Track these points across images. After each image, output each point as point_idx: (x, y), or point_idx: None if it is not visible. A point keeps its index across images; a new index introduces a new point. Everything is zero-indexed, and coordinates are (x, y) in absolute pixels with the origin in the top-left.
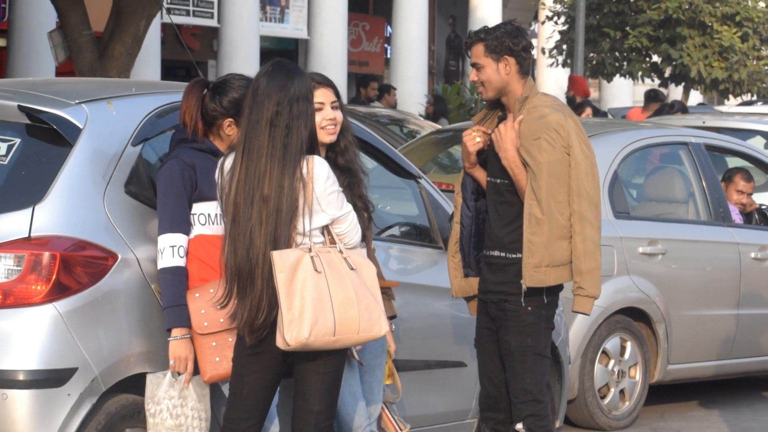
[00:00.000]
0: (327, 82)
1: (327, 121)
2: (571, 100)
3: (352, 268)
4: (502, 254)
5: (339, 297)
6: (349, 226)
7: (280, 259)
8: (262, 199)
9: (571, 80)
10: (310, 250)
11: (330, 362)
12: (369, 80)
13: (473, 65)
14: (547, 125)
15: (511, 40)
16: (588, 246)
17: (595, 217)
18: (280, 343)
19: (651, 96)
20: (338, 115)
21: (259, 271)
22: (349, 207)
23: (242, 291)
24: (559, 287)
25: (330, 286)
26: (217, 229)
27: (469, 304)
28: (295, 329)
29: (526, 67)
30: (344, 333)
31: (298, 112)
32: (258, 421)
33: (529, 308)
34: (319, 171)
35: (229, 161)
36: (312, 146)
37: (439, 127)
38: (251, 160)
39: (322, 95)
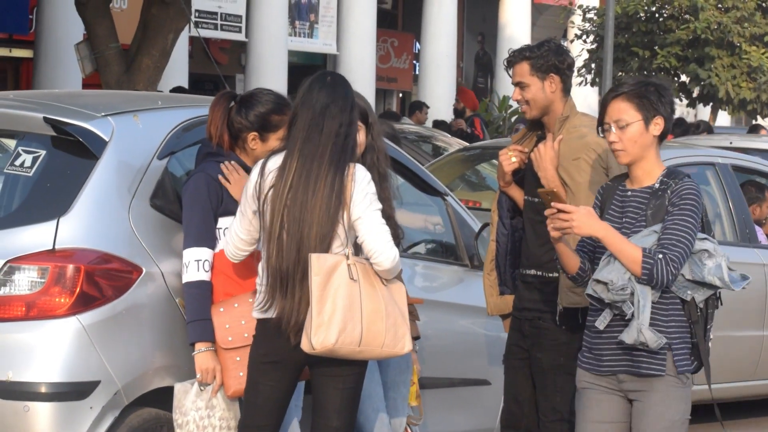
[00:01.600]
0: None
1: None
2: (461, 112)
3: (384, 284)
4: (539, 273)
5: (369, 308)
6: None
7: (318, 262)
8: (317, 201)
9: (461, 92)
10: (347, 257)
11: (350, 378)
12: None
13: (517, 84)
14: (587, 145)
15: (557, 58)
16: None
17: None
18: (305, 345)
19: (676, 123)
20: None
21: (309, 270)
22: (379, 208)
23: (290, 291)
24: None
25: (362, 296)
26: None
27: (504, 322)
28: (323, 334)
29: (569, 86)
30: (369, 345)
31: (354, 120)
32: (274, 427)
33: (564, 327)
34: (360, 175)
35: (272, 163)
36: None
37: (466, 144)
38: (309, 163)
39: None
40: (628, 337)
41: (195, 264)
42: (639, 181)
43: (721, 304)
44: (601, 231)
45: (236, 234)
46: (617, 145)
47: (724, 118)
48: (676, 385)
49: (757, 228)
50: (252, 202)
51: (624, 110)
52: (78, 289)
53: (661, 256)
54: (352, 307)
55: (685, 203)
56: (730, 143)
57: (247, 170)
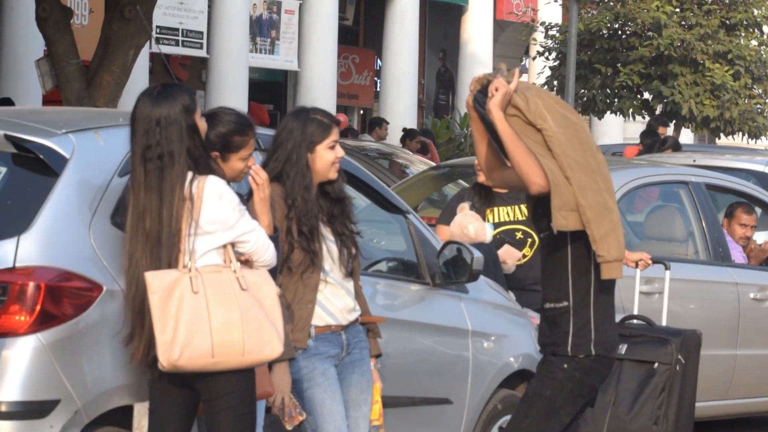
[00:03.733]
0: (336, 120)
1: (337, 158)
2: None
3: (243, 288)
4: (551, 305)
5: (219, 318)
6: (255, 245)
7: (154, 280)
8: (145, 233)
9: (251, 108)
10: (189, 270)
11: (229, 398)
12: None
13: None
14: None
15: None
16: (595, 212)
17: (592, 181)
18: (159, 364)
19: (645, 132)
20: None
21: (147, 306)
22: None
23: (140, 328)
24: (610, 362)
25: (210, 307)
26: None
27: None
28: (167, 350)
29: None
30: (225, 355)
31: (169, 138)
32: None
33: (565, 365)
34: (209, 192)
35: None
36: (207, 165)
37: (430, 162)
38: (135, 194)
39: (336, 134)
40: None
41: None
42: None
43: None
44: None
45: None
46: None
47: (687, 136)
48: None
49: (734, 246)
50: None
51: None
52: (38, 307)
53: None
54: (197, 320)
55: None
56: (694, 161)
57: None
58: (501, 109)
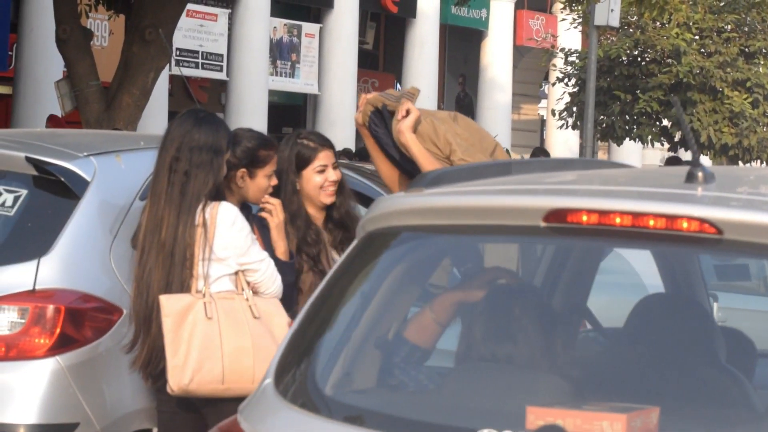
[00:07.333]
0: (328, 144)
1: (329, 182)
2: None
3: (255, 317)
4: None
5: (231, 345)
6: (263, 276)
7: (168, 303)
8: (160, 243)
9: (49, 118)
10: (204, 295)
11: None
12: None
13: None
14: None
15: None
16: None
17: None
18: (168, 387)
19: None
20: (338, 174)
21: (155, 315)
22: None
23: (144, 335)
24: None
25: (222, 334)
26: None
27: None
28: (178, 375)
29: None
30: (236, 382)
31: (199, 161)
32: None
33: None
34: (222, 218)
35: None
36: (218, 194)
37: None
38: (153, 203)
39: (325, 158)
40: None
41: None
42: None
43: None
44: None
45: None
46: None
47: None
48: None
49: None
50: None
51: None
52: (58, 330)
53: None
54: (210, 346)
55: None
56: None
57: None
58: (412, 131)
